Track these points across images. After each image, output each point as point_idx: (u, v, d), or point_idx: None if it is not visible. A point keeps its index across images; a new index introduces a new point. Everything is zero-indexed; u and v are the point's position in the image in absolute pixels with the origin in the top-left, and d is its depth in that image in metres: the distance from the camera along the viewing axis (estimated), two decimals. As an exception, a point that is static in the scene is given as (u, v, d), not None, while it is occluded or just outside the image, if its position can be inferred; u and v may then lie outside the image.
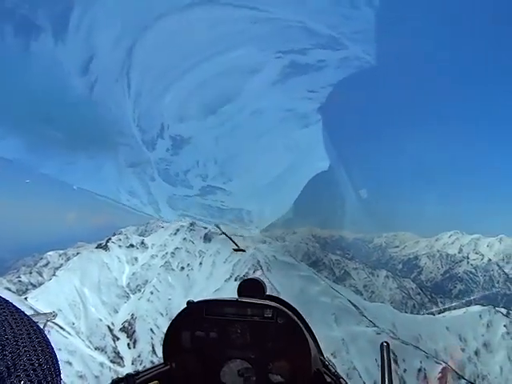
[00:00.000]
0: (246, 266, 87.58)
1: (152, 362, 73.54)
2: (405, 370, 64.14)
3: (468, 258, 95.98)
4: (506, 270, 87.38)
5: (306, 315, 2.67)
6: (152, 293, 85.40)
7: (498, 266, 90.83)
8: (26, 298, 70.78)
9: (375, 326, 75.70)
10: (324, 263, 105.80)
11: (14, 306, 0.83)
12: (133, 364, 73.84)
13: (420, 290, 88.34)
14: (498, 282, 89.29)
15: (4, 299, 0.81)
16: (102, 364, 68.67)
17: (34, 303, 69.83)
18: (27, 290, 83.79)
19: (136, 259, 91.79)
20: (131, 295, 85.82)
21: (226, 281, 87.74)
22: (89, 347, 71.97)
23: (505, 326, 71.07)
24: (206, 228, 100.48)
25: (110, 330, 78.40)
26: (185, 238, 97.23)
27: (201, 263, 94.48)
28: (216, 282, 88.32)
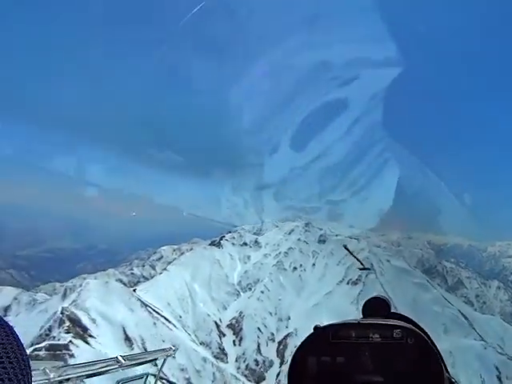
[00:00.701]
0: (359, 270, 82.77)
1: (256, 360, 70.48)
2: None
3: None
4: None
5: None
6: (262, 292, 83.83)
7: None
8: (134, 290, 71.79)
9: (483, 339, 74.07)
10: (437, 270, 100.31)
11: None
12: (236, 361, 71.93)
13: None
14: None
15: None
16: (205, 359, 67.10)
17: (143, 295, 70.58)
18: (138, 282, 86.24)
19: (249, 257, 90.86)
20: (241, 293, 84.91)
21: (337, 284, 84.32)
22: (194, 341, 71.18)
23: None
24: (321, 229, 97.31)
25: (217, 326, 77.48)
26: (299, 239, 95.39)
27: (314, 264, 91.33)
28: (328, 284, 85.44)
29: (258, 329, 75.57)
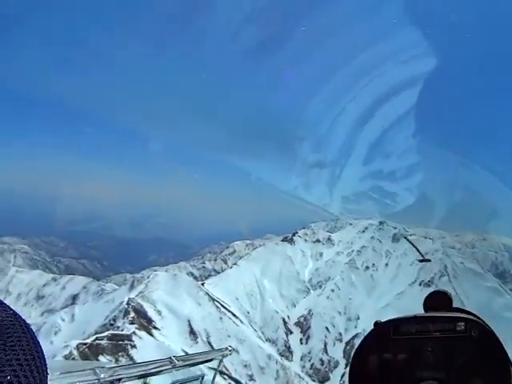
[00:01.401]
0: (432, 271, 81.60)
1: (321, 360, 69.64)
2: None
3: None
4: None
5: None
6: (333, 290, 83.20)
7: None
8: (203, 284, 73.23)
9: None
10: (511, 275, 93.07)
11: None
12: (301, 360, 71.56)
13: None
14: None
15: None
16: (269, 356, 67.33)
17: (211, 289, 71.92)
18: (209, 276, 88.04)
19: (321, 254, 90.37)
20: (311, 291, 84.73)
21: (409, 285, 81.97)
22: (260, 338, 71.66)
23: None
24: (395, 228, 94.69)
25: (285, 323, 77.58)
26: (372, 237, 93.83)
27: (387, 264, 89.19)
28: (400, 285, 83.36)
29: (326, 328, 74.70)
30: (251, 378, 62.45)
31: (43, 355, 0.83)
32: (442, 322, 1.91)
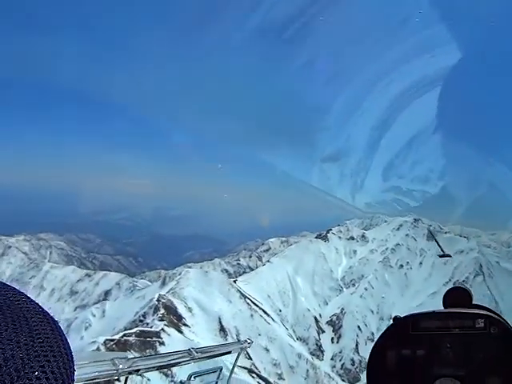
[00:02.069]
0: (467, 271, 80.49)
1: (352, 360, 68.92)
2: None
3: None
4: None
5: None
6: (366, 289, 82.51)
7: None
8: (235, 281, 73.45)
9: None
10: None
11: (27, 297, 0.85)
12: (332, 359, 70.92)
13: None
14: None
15: (17, 290, 0.84)
16: (299, 355, 67.07)
17: (243, 287, 72.09)
18: (244, 272, 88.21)
19: (354, 252, 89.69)
20: (344, 289, 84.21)
21: (444, 284, 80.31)
22: (290, 336, 71.52)
23: None
24: (430, 225, 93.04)
25: (316, 322, 77.15)
26: (407, 235, 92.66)
27: (421, 263, 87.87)
28: (433, 284, 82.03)
29: (358, 327, 73.89)
30: (280, 376, 62.27)
31: (71, 352, 0.85)
32: (461, 318, 1.95)
